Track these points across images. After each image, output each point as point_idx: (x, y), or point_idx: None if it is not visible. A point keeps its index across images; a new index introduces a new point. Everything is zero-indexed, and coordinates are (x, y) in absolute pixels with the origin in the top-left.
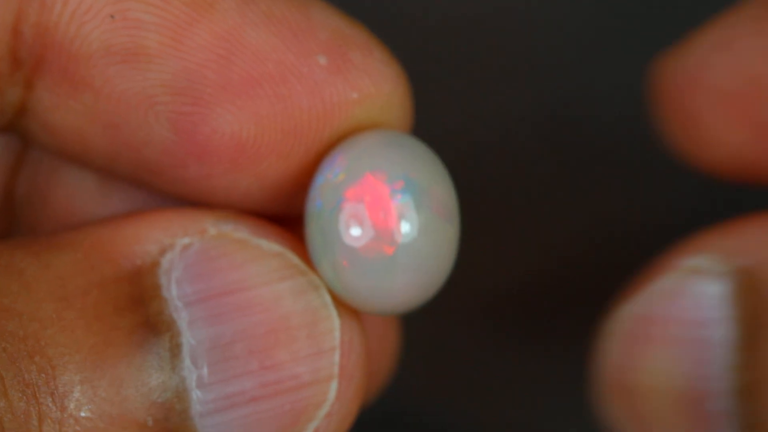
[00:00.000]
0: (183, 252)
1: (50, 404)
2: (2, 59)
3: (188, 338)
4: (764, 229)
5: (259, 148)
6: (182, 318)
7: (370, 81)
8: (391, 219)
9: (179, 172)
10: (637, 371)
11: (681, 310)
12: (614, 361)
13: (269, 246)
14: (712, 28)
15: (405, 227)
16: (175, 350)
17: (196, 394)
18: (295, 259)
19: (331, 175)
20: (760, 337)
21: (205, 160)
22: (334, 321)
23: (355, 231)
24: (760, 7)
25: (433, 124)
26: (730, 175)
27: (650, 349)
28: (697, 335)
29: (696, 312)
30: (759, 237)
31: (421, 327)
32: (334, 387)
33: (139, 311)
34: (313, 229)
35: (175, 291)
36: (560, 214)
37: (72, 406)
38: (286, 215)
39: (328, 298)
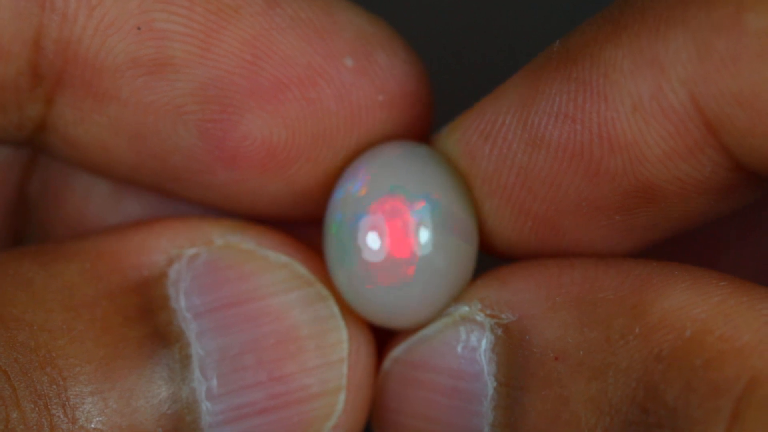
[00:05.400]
0: (190, 263)
1: (61, 416)
2: (22, 75)
3: (197, 349)
4: (529, 282)
5: (289, 152)
6: (191, 329)
7: (395, 82)
8: (409, 237)
9: (206, 178)
10: (405, 414)
11: (443, 358)
12: (387, 403)
13: (276, 257)
14: (478, 113)
15: (423, 245)
16: (185, 361)
17: (205, 406)
18: (302, 270)
19: (352, 188)
20: (516, 399)
21: (234, 166)
22: (342, 332)
23: (374, 246)
24: (520, 93)
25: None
26: (516, 257)
27: (415, 393)
28: (457, 385)
29: (457, 362)
30: (523, 291)
31: None
32: (342, 399)
33: (147, 322)
34: (331, 240)
35: (183, 302)
36: None
37: (83, 417)
38: (311, 219)
39: (336, 309)
